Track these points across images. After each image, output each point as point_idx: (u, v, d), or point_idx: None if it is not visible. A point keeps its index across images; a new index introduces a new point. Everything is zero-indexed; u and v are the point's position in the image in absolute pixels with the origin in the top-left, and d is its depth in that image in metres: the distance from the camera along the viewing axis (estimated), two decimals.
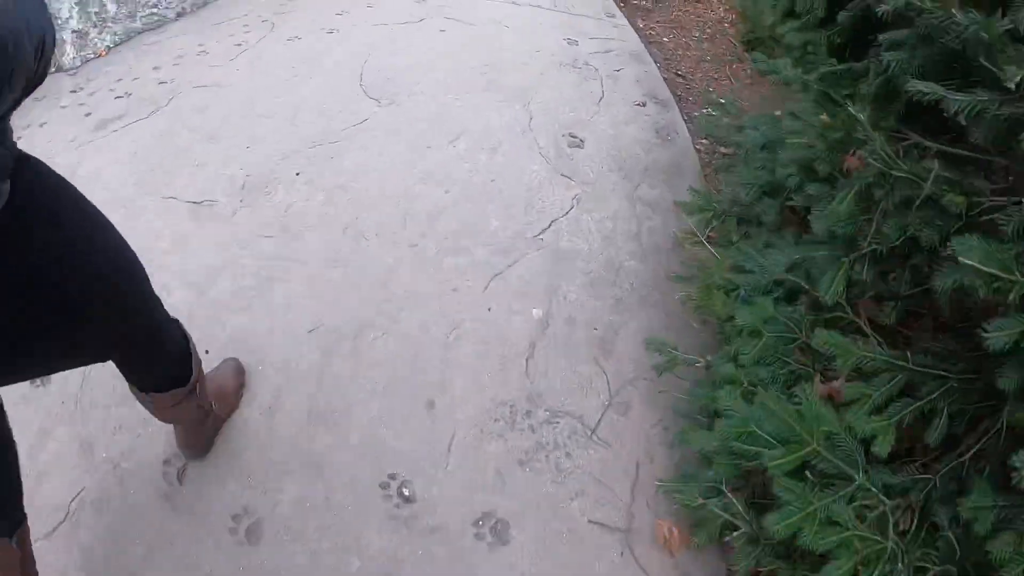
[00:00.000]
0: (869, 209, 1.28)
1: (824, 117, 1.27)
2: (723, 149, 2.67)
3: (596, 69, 3.11)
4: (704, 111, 2.99)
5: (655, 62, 3.27)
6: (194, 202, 2.33)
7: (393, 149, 2.52)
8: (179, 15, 3.69)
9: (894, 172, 1.11)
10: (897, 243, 1.21)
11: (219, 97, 2.91)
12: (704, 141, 2.82)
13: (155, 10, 3.61)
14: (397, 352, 1.85)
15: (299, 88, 2.92)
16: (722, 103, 2.78)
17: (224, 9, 3.72)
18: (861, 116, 1.18)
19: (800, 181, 1.55)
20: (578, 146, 2.59)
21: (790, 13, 1.93)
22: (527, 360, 1.85)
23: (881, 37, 1.24)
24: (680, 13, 3.81)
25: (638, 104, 2.90)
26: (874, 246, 1.25)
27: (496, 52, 3.20)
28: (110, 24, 3.41)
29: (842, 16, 1.57)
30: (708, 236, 1.99)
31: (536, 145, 2.56)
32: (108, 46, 3.39)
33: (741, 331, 1.55)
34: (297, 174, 2.44)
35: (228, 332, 1.91)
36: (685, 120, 2.91)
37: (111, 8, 3.41)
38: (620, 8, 3.75)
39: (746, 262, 1.76)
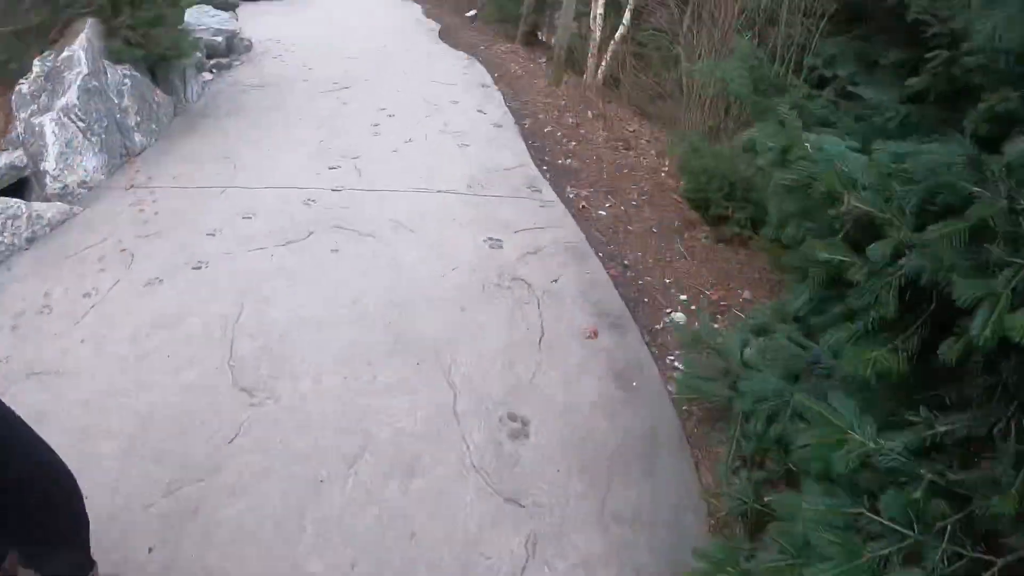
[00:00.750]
0: None
1: None
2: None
3: (529, 285, 2.54)
4: (664, 324, 2.45)
5: (596, 253, 2.73)
6: None
7: (274, 492, 1.84)
8: (30, 240, 3.04)
9: None
10: None
11: (55, 398, 2.21)
12: (676, 368, 2.27)
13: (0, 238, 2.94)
14: None
15: (152, 378, 2.25)
16: (690, 330, 2.22)
17: (80, 232, 3.08)
18: None
19: None
20: (522, 435, 1.98)
21: (835, 284, 1.38)
22: None
23: None
24: (610, 167, 3.31)
25: (588, 336, 2.33)
26: None
27: (402, 278, 2.60)
28: None
29: (948, 348, 1.04)
30: None
31: (467, 450, 1.93)
32: None
33: None
34: (150, 550, 1.74)
35: None
36: (647, 342, 2.35)
37: None
38: (543, 174, 3.22)
39: None
